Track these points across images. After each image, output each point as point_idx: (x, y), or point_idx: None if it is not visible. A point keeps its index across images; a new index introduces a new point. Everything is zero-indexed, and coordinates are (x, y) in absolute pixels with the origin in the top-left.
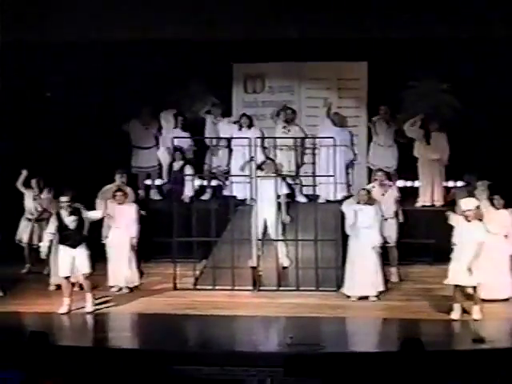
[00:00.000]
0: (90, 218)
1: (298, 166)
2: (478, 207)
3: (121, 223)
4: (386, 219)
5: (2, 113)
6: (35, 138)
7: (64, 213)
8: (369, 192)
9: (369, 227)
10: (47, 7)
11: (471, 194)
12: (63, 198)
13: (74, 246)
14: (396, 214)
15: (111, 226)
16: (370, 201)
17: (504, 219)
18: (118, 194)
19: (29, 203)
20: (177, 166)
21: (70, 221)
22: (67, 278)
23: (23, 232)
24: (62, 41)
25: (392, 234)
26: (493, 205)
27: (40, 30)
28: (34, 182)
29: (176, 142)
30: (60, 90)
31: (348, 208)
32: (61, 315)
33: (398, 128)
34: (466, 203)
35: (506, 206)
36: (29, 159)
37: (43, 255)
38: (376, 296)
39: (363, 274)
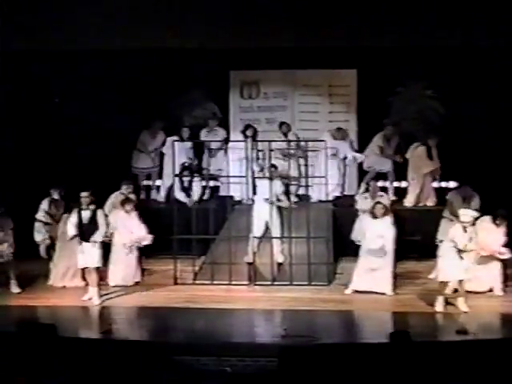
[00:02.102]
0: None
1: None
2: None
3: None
4: None
5: (7, 118)
6: (39, 143)
7: (82, 207)
8: (385, 205)
9: (382, 236)
10: (51, 18)
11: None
12: (83, 194)
13: (86, 240)
14: None
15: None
16: (386, 212)
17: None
18: (129, 205)
19: (45, 208)
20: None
21: (85, 215)
22: (84, 269)
23: (44, 234)
24: (66, 50)
25: None
26: None
27: (44, 40)
28: (55, 192)
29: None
30: (64, 97)
31: (364, 222)
32: (66, 309)
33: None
34: (465, 215)
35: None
36: (33, 162)
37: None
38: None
39: (377, 274)
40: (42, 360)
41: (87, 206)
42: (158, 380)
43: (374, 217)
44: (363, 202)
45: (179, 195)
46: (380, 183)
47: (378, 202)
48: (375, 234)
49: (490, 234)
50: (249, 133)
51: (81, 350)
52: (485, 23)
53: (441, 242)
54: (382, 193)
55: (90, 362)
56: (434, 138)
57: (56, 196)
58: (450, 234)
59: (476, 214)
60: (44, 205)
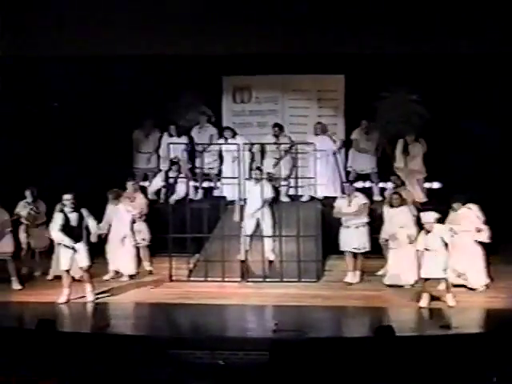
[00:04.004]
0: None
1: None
2: (438, 219)
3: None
4: (357, 227)
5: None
6: (36, 145)
7: (67, 210)
8: (400, 195)
9: (404, 226)
10: (49, 24)
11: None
12: (66, 196)
13: (74, 241)
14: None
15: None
16: (403, 202)
17: (470, 217)
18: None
19: (23, 212)
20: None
21: (71, 218)
22: (67, 270)
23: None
24: (64, 56)
25: (364, 242)
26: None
27: (42, 46)
28: (28, 193)
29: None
30: (62, 101)
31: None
32: (64, 305)
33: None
34: (426, 216)
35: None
36: (29, 166)
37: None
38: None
39: (404, 266)
40: (41, 355)
41: (72, 209)
42: (153, 373)
43: (391, 206)
44: (340, 201)
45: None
46: (366, 184)
47: (395, 193)
48: (396, 224)
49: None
50: (227, 135)
51: (78, 344)
52: (467, 31)
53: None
54: (357, 193)
55: (87, 356)
56: (411, 134)
57: (28, 196)
58: (419, 239)
59: (436, 215)
60: (18, 208)
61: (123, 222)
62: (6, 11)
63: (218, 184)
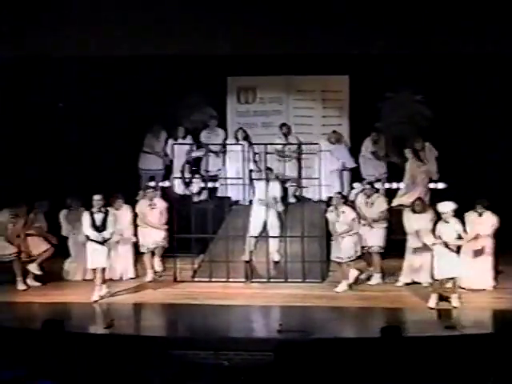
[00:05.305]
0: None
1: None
2: (454, 210)
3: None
4: (342, 237)
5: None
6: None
7: (94, 210)
8: (423, 201)
9: (426, 230)
10: (53, 22)
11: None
12: (96, 197)
13: (99, 242)
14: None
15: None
16: (425, 208)
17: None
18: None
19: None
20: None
21: (98, 217)
22: (94, 269)
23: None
24: (70, 56)
25: (349, 251)
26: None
27: (48, 46)
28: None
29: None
30: (68, 102)
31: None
32: (69, 305)
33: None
34: (443, 207)
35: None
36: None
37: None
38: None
39: (424, 266)
40: (47, 355)
41: (99, 209)
42: (157, 373)
43: (414, 212)
44: (330, 216)
45: (179, 189)
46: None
47: (418, 199)
48: (417, 229)
49: (477, 225)
50: (239, 135)
51: (83, 344)
52: (471, 31)
53: None
54: (345, 207)
55: (91, 357)
56: (418, 141)
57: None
58: (436, 232)
59: (454, 205)
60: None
61: (122, 226)
62: (5, 11)
63: (217, 184)
